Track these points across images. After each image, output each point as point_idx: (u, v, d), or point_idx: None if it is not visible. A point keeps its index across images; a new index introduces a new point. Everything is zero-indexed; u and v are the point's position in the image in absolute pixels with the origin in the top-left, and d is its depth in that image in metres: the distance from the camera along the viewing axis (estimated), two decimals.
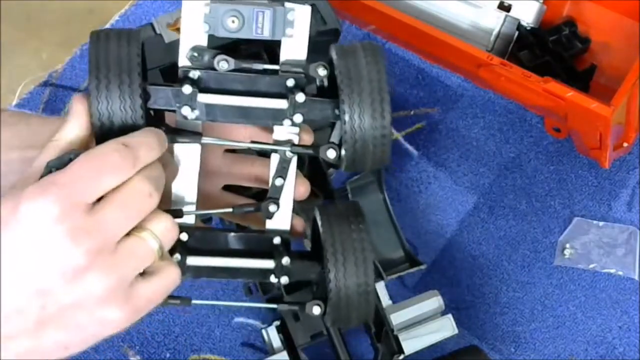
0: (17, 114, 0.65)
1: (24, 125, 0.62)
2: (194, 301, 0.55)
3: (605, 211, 0.86)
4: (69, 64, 0.93)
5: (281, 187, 0.55)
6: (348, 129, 0.51)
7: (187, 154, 0.55)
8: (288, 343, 0.75)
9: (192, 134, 0.54)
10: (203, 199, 0.57)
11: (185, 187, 0.56)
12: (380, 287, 0.76)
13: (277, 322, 0.75)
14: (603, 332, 0.81)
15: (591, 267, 0.83)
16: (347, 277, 0.53)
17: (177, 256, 0.54)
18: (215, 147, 0.59)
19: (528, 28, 0.84)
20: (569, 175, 0.87)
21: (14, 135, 0.61)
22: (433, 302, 0.76)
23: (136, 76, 0.49)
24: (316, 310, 0.55)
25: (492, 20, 0.85)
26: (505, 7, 0.84)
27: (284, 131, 0.55)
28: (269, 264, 0.55)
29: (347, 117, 0.51)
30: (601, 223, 0.85)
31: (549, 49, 0.84)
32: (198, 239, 0.55)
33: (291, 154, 0.55)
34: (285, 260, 0.55)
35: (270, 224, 0.56)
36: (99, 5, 1.33)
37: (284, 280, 0.55)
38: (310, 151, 0.54)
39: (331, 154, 0.54)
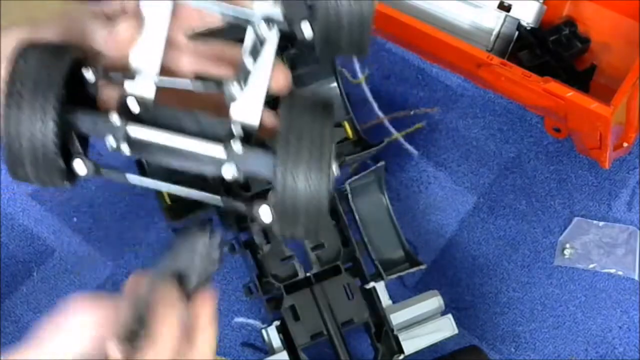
0: None
1: None
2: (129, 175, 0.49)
3: (605, 211, 0.86)
4: None
5: (251, 68, 0.49)
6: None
7: (154, 11, 0.49)
8: (288, 343, 0.75)
9: None
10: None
11: (148, 49, 0.49)
12: (380, 287, 0.76)
13: (277, 322, 0.75)
14: (603, 332, 0.81)
15: (591, 267, 0.83)
16: (297, 172, 0.45)
17: (116, 120, 0.47)
18: (175, 28, 0.53)
19: (528, 28, 0.84)
20: (569, 175, 0.87)
21: None
22: (433, 302, 0.76)
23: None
24: (264, 211, 0.47)
25: (492, 20, 0.85)
26: (505, 7, 0.84)
27: (264, 5, 0.49)
28: (219, 150, 0.47)
29: None
30: (601, 223, 0.85)
31: (549, 49, 0.84)
32: (149, 113, 0.49)
33: (267, 31, 0.48)
34: (237, 147, 0.47)
35: (236, 114, 0.49)
36: None
37: (232, 170, 0.47)
38: (285, 27, 0.48)
39: (306, 28, 0.48)
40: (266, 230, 0.75)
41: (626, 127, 0.81)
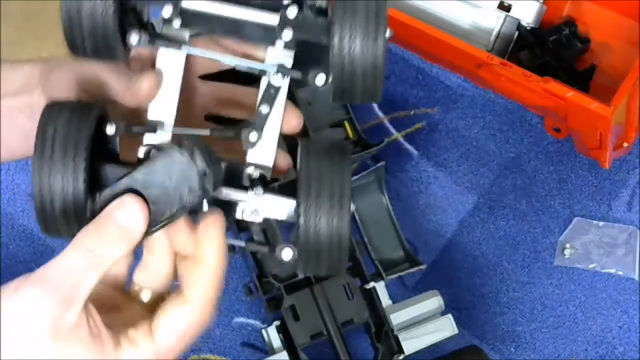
0: None
1: None
2: None
3: (605, 211, 0.86)
4: None
5: (266, 116, 0.51)
6: (337, 52, 0.47)
7: (169, 64, 0.52)
8: (288, 343, 0.75)
9: (176, 42, 0.51)
10: (183, 125, 0.53)
11: (165, 102, 0.52)
12: (380, 287, 0.76)
13: (277, 322, 0.75)
14: (603, 332, 0.81)
15: (591, 267, 0.83)
16: (319, 216, 0.47)
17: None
18: (189, 71, 0.56)
19: (528, 28, 0.84)
20: (569, 175, 0.87)
21: None
22: (433, 302, 0.76)
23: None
24: (286, 253, 0.49)
25: (492, 20, 0.85)
26: (505, 7, 0.84)
27: (276, 54, 0.51)
28: (240, 194, 0.50)
29: (336, 39, 0.47)
30: (601, 223, 0.85)
31: (549, 49, 0.84)
32: None
33: (280, 80, 0.51)
34: (258, 191, 0.49)
35: (251, 157, 0.51)
36: None
37: (257, 218, 0.50)
38: (299, 76, 0.51)
39: (320, 79, 0.50)
40: (266, 230, 0.75)
41: (626, 127, 0.81)
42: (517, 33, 0.85)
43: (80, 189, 0.48)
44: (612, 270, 0.83)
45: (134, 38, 0.49)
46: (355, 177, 0.81)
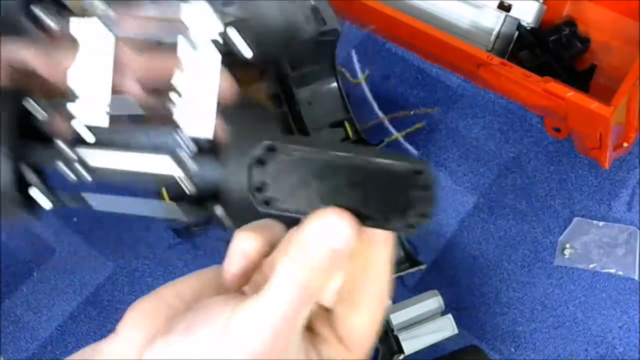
0: None
1: None
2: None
3: (605, 211, 0.86)
4: None
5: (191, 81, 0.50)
6: None
7: (98, 44, 0.50)
8: None
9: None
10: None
11: (98, 83, 0.50)
12: None
13: None
14: (603, 332, 0.81)
15: (591, 267, 0.83)
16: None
17: (69, 153, 0.50)
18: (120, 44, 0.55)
19: (528, 28, 0.84)
20: (569, 175, 0.87)
21: None
22: (433, 302, 0.76)
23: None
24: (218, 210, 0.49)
25: (492, 20, 0.85)
26: (505, 7, 0.84)
27: (193, 11, 0.49)
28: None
29: None
30: (601, 223, 0.85)
31: (549, 49, 0.84)
32: (104, 138, 0.49)
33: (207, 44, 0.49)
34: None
35: (190, 131, 0.48)
36: None
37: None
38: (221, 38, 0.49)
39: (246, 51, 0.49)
40: None
41: (626, 127, 0.81)
42: (517, 33, 0.85)
43: (7, 169, 0.47)
44: (612, 270, 0.83)
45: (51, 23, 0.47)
46: None
